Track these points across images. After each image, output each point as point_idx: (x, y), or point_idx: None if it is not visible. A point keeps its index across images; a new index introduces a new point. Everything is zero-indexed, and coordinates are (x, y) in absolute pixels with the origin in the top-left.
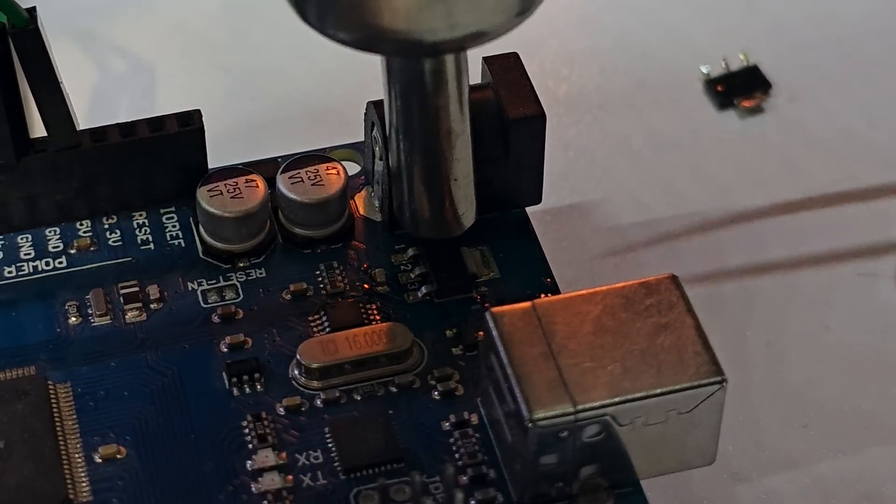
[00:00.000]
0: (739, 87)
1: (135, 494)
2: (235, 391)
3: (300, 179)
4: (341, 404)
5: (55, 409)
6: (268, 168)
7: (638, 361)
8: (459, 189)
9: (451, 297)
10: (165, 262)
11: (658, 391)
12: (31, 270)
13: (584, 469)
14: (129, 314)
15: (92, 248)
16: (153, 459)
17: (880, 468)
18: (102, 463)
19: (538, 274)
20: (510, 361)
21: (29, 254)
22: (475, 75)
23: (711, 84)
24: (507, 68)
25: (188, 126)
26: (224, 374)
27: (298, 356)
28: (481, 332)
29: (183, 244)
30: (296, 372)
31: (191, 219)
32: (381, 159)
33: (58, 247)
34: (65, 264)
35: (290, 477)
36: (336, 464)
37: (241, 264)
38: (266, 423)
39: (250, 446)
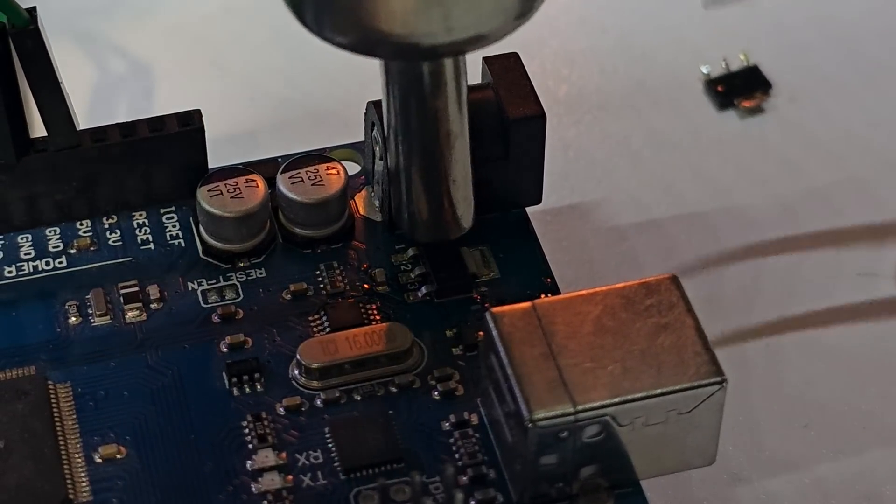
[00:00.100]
0: (739, 88)
1: (135, 494)
2: (235, 391)
3: (300, 179)
4: (341, 404)
5: (55, 409)
6: (268, 168)
7: (638, 362)
8: (458, 191)
9: (451, 297)
10: (165, 262)
11: (658, 391)
12: (31, 270)
13: (584, 469)
14: (129, 314)
15: (92, 248)
16: (153, 459)
17: (880, 469)
18: (102, 463)
19: (538, 274)
20: (510, 361)
21: (29, 254)
22: (475, 75)
23: (711, 84)
24: (508, 68)
25: (188, 126)
26: (224, 374)
27: (298, 356)
28: (481, 332)
29: (183, 244)
30: (296, 372)
31: (191, 219)
32: (381, 159)
33: (58, 247)
34: (65, 264)
35: (290, 477)
36: (336, 464)
37: (242, 264)
38: (266, 423)
39: (250, 446)
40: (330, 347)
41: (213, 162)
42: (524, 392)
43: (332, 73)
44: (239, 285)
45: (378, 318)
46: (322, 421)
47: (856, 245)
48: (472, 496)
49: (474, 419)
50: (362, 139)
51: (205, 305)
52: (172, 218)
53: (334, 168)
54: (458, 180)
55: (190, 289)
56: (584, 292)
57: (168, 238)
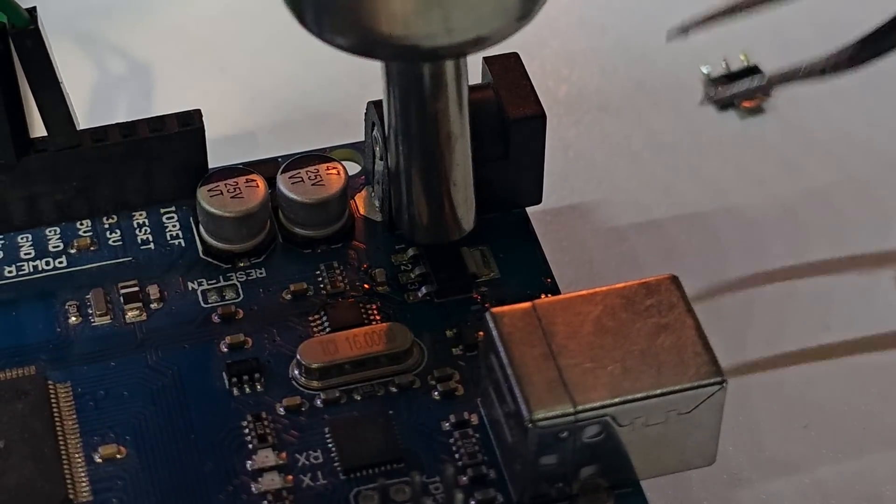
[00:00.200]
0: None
1: (135, 494)
2: (235, 391)
3: (300, 179)
4: (341, 404)
5: (55, 409)
6: (268, 168)
7: (638, 362)
8: (458, 193)
9: (451, 297)
10: (165, 262)
11: (658, 392)
12: (32, 270)
13: (584, 469)
14: (129, 314)
15: (92, 248)
16: (153, 459)
17: (880, 469)
18: (102, 463)
19: (538, 274)
20: (510, 362)
21: (29, 253)
22: (475, 75)
23: (712, 84)
24: (508, 68)
25: (188, 126)
26: (224, 374)
27: (298, 356)
28: (481, 333)
29: (183, 244)
30: (296, 372)
31: (191, 219)
32: (381, 159)
33: (58, 246)
34: (65, 264)
35: (290, 477)
36: (336, 464)
37: (242, 264)
38: (266, 423)
39: (250, 446)
40: (330, 347)
41: (213, 162)
42: (524, 392)
43: (333, 74)
44: (239, 285)
45: (378, 318)
46: (322, 421)
47: (856, 245)
48: (472, 496)
49: (474, 419)
50: (362, 139)
51: (205, 305)
52: (172, 218)
53: (334, 168)
54: (459, 182)
55: (190, 289)
56: (584, 292)
57: (168, 238)
